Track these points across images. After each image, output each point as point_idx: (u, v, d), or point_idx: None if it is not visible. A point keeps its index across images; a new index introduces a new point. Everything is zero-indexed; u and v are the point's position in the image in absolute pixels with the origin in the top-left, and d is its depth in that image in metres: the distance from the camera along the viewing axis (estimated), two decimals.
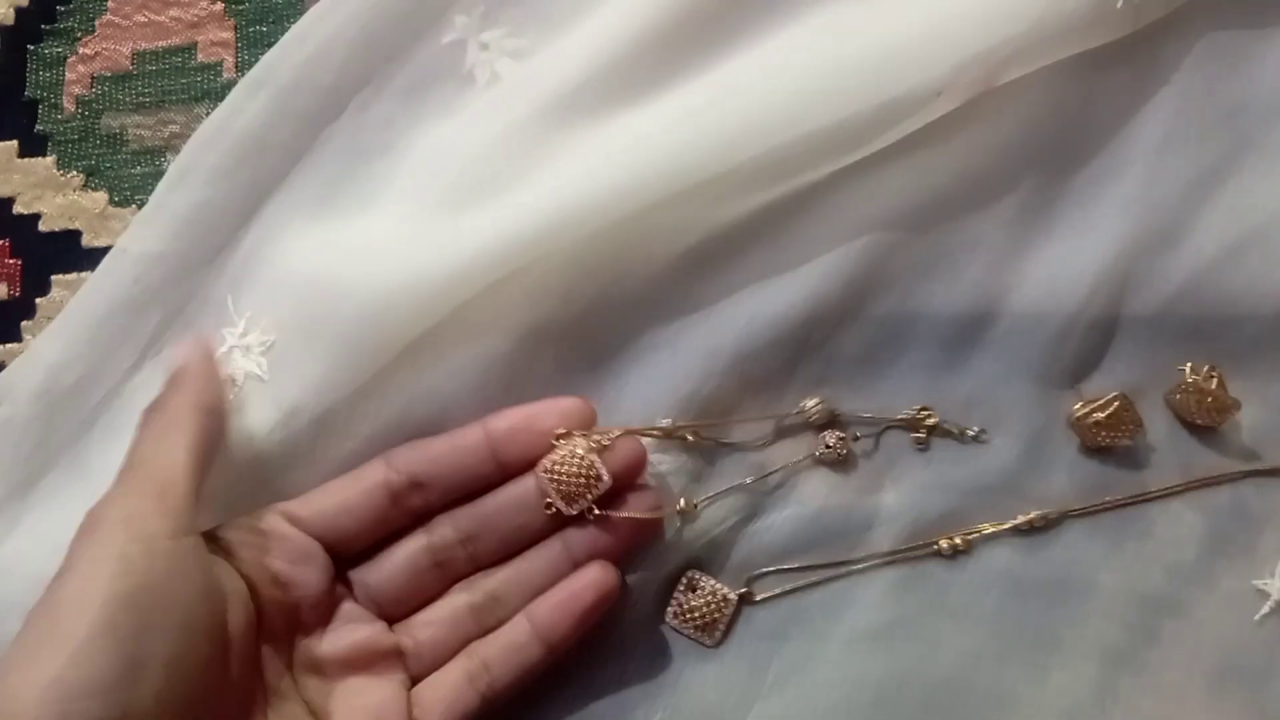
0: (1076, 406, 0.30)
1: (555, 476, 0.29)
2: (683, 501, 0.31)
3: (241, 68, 0.37)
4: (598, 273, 0.32)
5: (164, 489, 0.26)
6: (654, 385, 0.32)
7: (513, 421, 0.30)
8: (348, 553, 0.30)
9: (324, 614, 0.29)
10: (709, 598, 0.31)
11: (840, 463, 0.31)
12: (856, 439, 0.31)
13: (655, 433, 0.31)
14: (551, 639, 0.29)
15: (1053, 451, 0.31)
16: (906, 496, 0.31)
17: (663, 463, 0.31)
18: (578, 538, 0.30)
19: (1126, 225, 0.31)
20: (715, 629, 0.31)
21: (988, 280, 0.31)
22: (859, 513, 0.31)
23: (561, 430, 0.30)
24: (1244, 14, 0.31)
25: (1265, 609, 0.29)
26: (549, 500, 0.29)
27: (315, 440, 0.30)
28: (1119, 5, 0.30)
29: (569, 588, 0.29)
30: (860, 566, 0.31)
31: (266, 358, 0.31)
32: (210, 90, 0.37)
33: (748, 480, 0.31)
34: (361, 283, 0.31)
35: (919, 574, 0.30)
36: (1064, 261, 0.31)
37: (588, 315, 0.32)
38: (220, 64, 0.37)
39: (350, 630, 0.29)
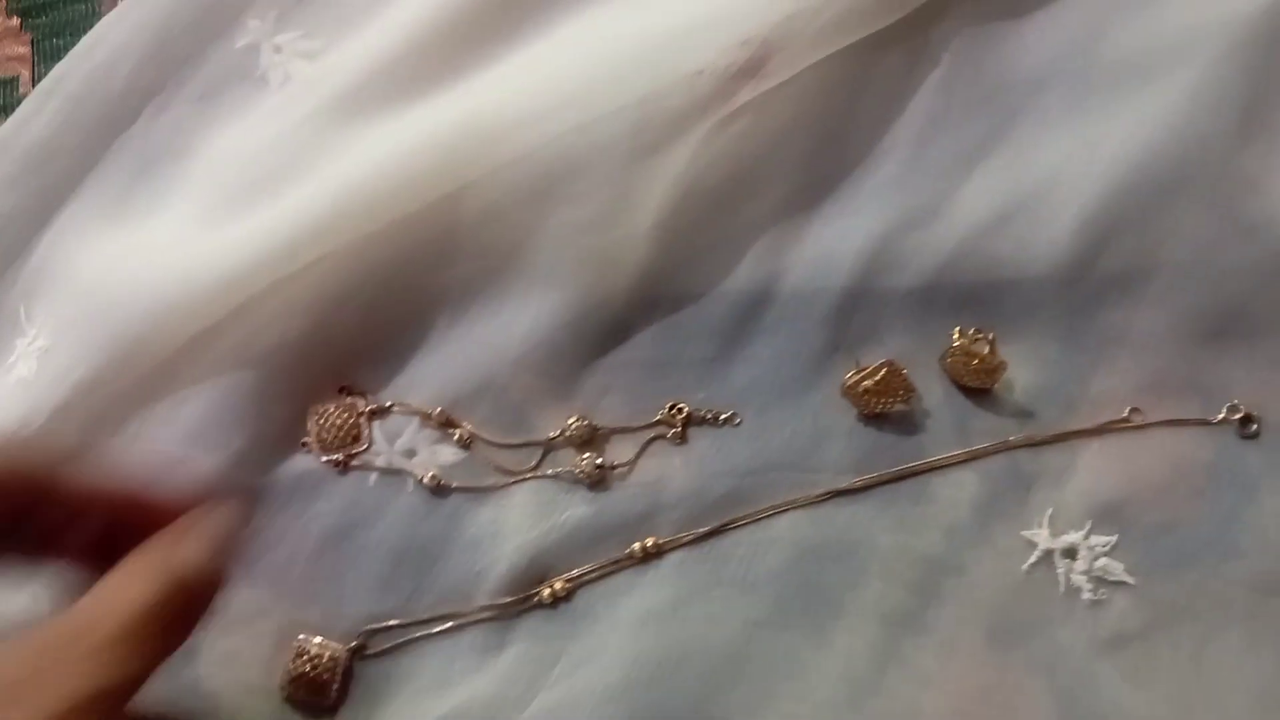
0: (848, 375, 0.31)
1: (321, 423, 0.31)
2: None
3: (38, 81, 0.37)
4: (381, 268, 0.32)
5: None
6: (439, 378, 0.32)
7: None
8: None
9: None
10: (315, 660, 0.31)
11: (599, 481, 0.32)
12: (615, 467, 0.32)
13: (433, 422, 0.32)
14: None
15: (831, 422, 0.31)
16: (678, 491, 0.31)
17: (438, 454, 0.32)
18: None
19: (892, 202, 0.32)
20: (328, 690, 0.31)
21: (760, 267, 0.32)
22: (629, 520, 0.31)
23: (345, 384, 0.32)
24: None
25: (1033, 558, 0.30)
26: (305, 441, 0.31)
27: (83, 441, 0.30)
28: None
29: None
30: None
31: (39, 360, 0.31)
32: (7, 105, 0.37)
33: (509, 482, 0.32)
34: (140, 284, 0.31)
35: (700, 552, 0.31)
36: (831, 241, 0.32)
37: (372, 310, 0.32)
38: (16, 79, 0.37)
39: None
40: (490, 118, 0.31)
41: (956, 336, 0.31)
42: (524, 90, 0.31)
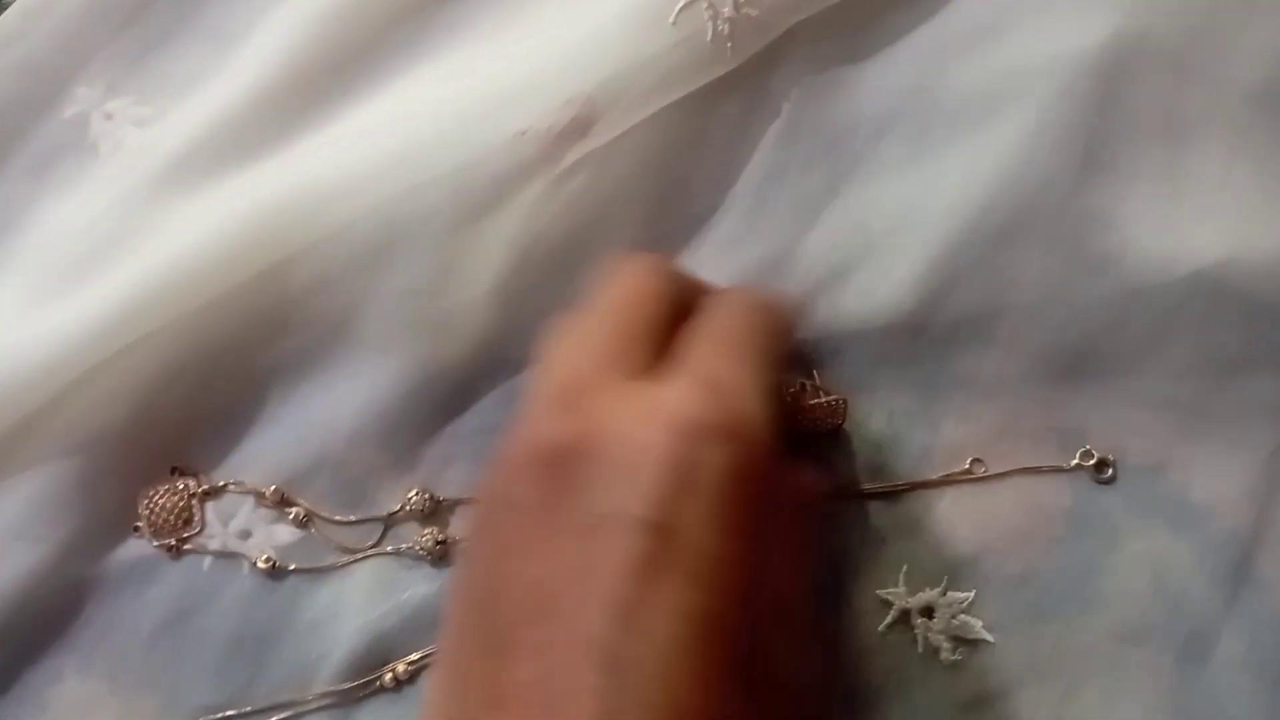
0: None
1: (151, 506, 0.30)
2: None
3: None
4: (210, 344, 0.31)
5: None
6: (274, 455, 0.31)
7: None
8: None
9: None
10: None
11: (443, 557, 0.31)
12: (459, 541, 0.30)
13: (268, 501, 0.31)
14: None
15: None
16: None
17: (274, 534, 0.31)
18: None
19: (734, 256, 0.31)
20: None
21: None
22: None
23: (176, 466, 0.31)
24: (840, 43, 0.32)
25: (889, 619, 0.29)
26: (137, 525, 0.31)
27: None
28: (708, 39, 0.30)
29: None
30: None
31: None
32: None
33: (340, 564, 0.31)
34: None
35: None
36: None
37: (202, 387, 0.31)
38: None
39: None
40: (310, 188, 0.30)
41: (788, 394, 0.30)
42: (344, 160, 0.30)
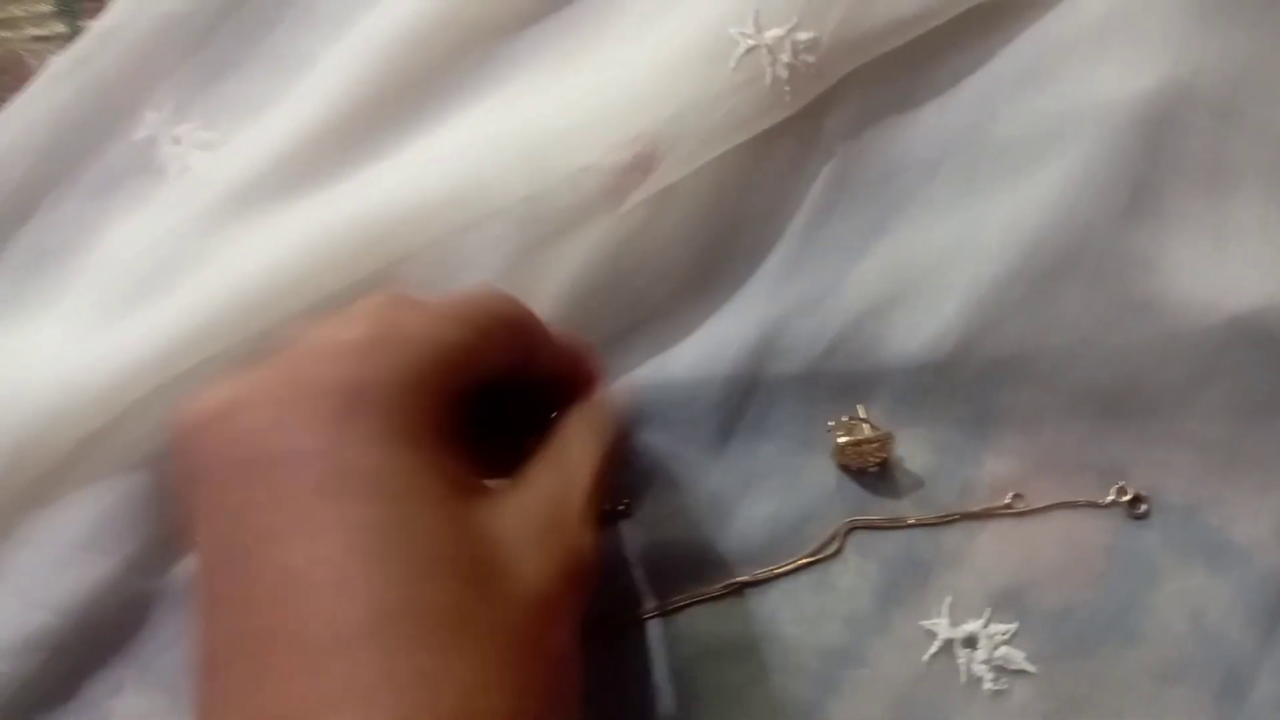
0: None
1: None
2: None
3: None
4: None
5: None
6: None
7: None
8: None
9: None
10: None
11: None
12: None
13: None
14: None
15: (725, 510, 0.31)
16: None
17: None
18: None
19: (781, 291, 0.32)
20: None
21: (650, 359, 0.32)
22: None
23: None
24: (895, 85, 0.33)
25: (933, 649, 0.30)
26: None
27: None
28: (767, 83, 0.31)
29: None
30: None
31: None
32: None
33: None
34: (27, 389, 0.31)
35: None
36: (720, 331, 0.32)
37: None
38: None
39: None
40: (375, 216, 0.31)
41: (836, 430, 0.31)
42: (409, 189, 0.31)
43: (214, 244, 0.32)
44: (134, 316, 0.32)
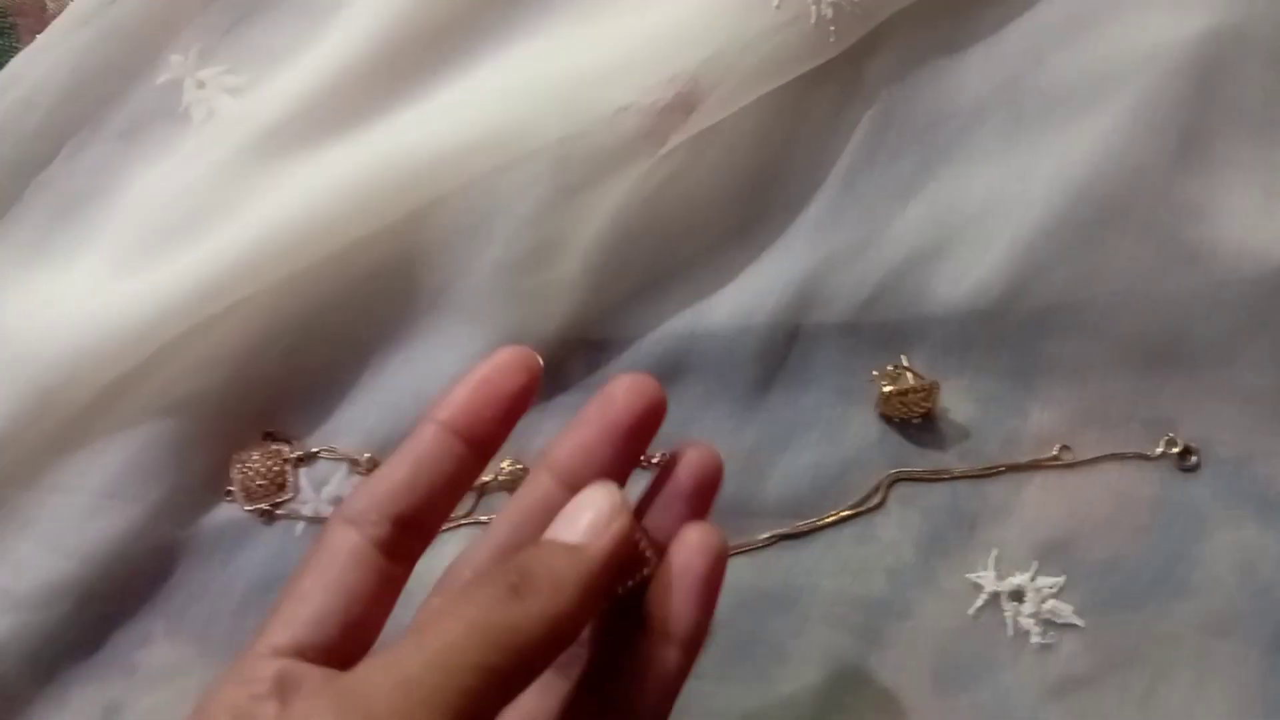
0: None
1: (244, 471, 0.31)
2: None
3: None
4: (304, 312, 0.31)
5: None
6: (367, 423, 0.31)
7: (463, 403, 0.22)
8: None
9: None
10: None
11: None
12: None
13: (361, 468, 0.31)
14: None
15: (765, 461, 0.31)
16: None
17: None
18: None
19: (823, 239, 0.31)
20: None
21: (690, 307, 0.31)
22: None
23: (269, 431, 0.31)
24: (940, 29, 0.32)
25: (979, 602, 0.30)
26: (229, 490, 0.31)
27: None
28: (812, 23, 0.30)
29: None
30: None
31: None
32: None
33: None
34: (55, 333, 0.30)
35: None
36: (761, 280, 0.31)
37: (296, 355, 0.31)
38: None
39: None
40: (408, 159, 0.30)
41: (880, 379, 0.30)
42: (444, 131, 0.30)
43: (245, 188, 0.31)
44: (163, 261, 0.31)
